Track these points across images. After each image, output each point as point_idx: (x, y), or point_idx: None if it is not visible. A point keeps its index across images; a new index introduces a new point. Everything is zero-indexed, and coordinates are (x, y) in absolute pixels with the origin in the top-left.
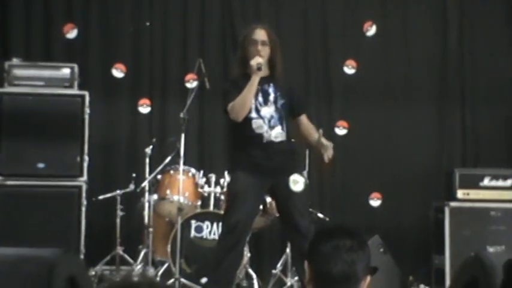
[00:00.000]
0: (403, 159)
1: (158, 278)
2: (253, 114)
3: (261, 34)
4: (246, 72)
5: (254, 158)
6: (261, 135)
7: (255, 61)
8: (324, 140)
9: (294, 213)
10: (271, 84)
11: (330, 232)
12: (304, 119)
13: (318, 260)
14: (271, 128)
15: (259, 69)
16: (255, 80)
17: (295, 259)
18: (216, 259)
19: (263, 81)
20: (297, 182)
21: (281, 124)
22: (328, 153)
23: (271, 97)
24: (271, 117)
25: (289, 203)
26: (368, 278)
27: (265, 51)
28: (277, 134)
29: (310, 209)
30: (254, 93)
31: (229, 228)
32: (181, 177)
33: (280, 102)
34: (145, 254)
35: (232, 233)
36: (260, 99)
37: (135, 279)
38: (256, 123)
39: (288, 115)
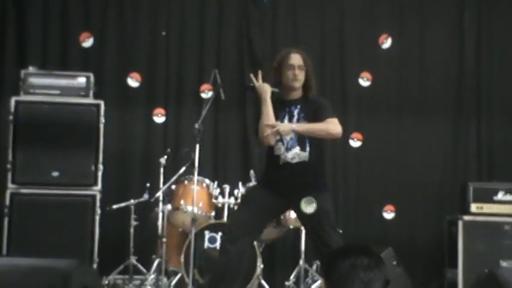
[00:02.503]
0: (417, 172)
1: None
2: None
3: (297, 59)
4: (280, 97)
5: (273, 178)
6: (278, 157)
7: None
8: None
9: (319, 231)
10: (298, 106)
11: (347, 250)
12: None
13: (335, 278)
14: (288, 149)
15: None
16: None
17: None
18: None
19: (292, 103)
20: (308, 204)
21: (300, 145)
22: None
23: (294, 119)
24: (290, 138)
25: (313, 221)
26: None
27: (301, 75)
28: (293, 155)
29: None
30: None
31: (227, 232)
32: (195, 187)
33: (303, 123)
34: (159, 264)
35: (228, 236)
36: (285, 121)
37: None
38: (276, 145)
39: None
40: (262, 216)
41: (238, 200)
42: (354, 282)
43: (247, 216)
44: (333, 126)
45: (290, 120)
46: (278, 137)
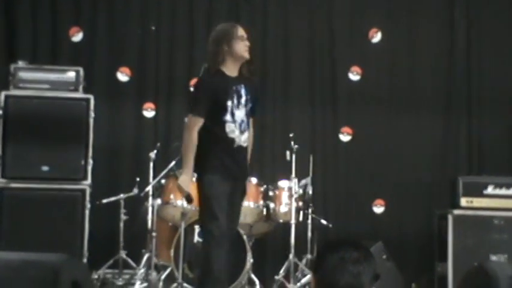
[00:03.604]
0: (407, 167)
1: (161, 282)
2: (228, 117)
3: (245, 32)
4: (219, 69)
5: (225, 162)
6: (232, 140)
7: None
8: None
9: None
10: (242, 86)
11: (336, 244)
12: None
13: (324, 271)
14: (242, 132)
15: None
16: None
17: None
18: (207, 266)
19: (235, 81)
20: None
21: (248, 129)
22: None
23: (243, 100)
24: (242, 121)
25: (235, 209)
26: None
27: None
28: (245, 139)
29: (314, 215)
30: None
31: (217, 234)
32: None
33: (249, 105)
34: (148, 258)
35: (219, 239)
36: (235, 101)
37: None
38: (229, 127)
39: None
40: (231, 211)
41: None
42: (343, 275)
43: (226, 219)
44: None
45: (238, 101)
46: (230, 118)
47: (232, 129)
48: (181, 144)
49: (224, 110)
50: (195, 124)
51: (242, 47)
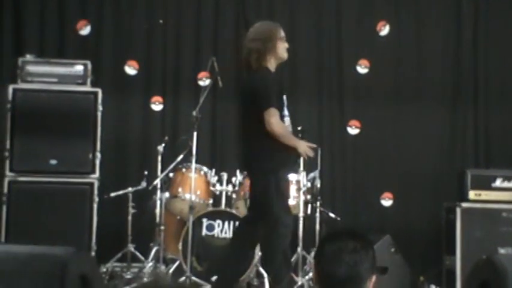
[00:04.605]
0: (415, 159)
1: (169, 276)
2: (285, 112)
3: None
4: (266, 66)
5: (291, 156)
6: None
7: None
8: None
9: None
10: None
11: (334, 235)
12: None
13: (323, 261)
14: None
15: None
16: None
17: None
18: (288, 259)
19: None
20: None
21: None
22: None
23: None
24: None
25: None
26: (373, 278)
27: None
28: None
29: (322, 209)
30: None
31: (290, 224)
32: (193, 175)
33: None
34: (157, 252)
35: (291, 229)
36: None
37: (165, 282)
38: (287, 121)
39: None
40: None
41: (236, 188)
42: (341, 265)
43: None
44: None
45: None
46: (286, 113)
47: (288, 124)
48: (190, 137)
49: (283, 105)
50: (276, 115)
51: (284, 48)
